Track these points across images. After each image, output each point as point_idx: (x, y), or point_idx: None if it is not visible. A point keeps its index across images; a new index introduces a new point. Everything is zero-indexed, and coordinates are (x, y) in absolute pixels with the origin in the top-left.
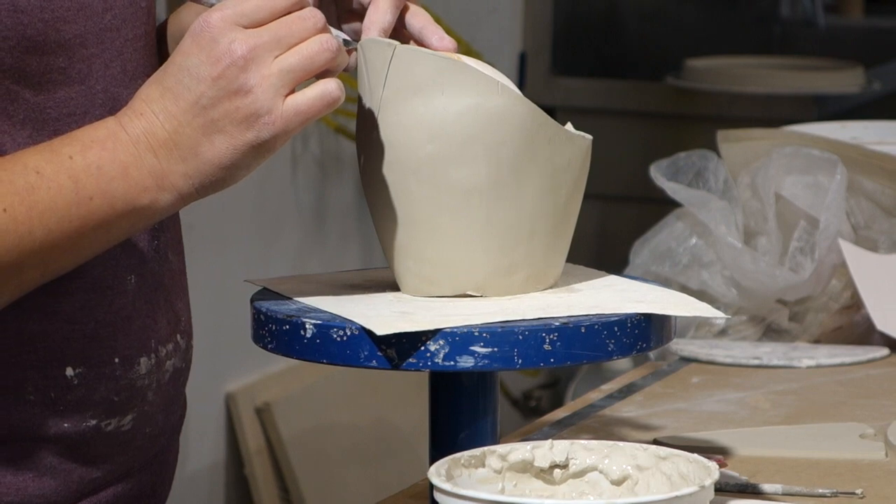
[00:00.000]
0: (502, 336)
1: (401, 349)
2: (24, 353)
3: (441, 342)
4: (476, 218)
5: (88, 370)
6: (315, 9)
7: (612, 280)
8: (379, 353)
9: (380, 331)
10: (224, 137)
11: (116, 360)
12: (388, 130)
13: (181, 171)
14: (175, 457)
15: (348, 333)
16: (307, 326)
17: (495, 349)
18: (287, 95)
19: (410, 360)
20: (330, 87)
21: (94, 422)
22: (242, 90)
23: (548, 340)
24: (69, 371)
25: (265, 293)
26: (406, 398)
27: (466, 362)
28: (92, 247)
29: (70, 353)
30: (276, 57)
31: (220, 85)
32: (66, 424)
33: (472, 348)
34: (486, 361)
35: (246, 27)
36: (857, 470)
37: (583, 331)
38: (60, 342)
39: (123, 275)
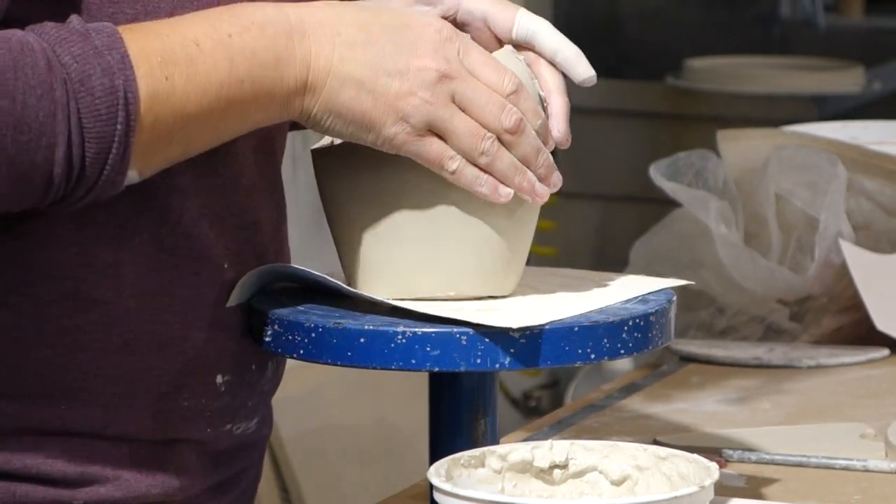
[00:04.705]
0: (468, 337)
1: (369, 348)
2: (29, 383)
3: (411, 343)
4: (459, 219)
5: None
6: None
7: (609, 278)
8: (347, 352)
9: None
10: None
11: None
12: None
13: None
14: None
15: (315, 331)
16: (293, 323)
17: (470, 350)
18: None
19: (383, 358)
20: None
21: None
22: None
23: (519, 342)
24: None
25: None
26: (406, 398)
27: (438, 363)
28: (227, 131)
29: (69, 380)
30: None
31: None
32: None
33: (442, 349)
34: (463, 363)
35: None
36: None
37: (555, 333)
38: (59, 370)
39: (125, 289)
